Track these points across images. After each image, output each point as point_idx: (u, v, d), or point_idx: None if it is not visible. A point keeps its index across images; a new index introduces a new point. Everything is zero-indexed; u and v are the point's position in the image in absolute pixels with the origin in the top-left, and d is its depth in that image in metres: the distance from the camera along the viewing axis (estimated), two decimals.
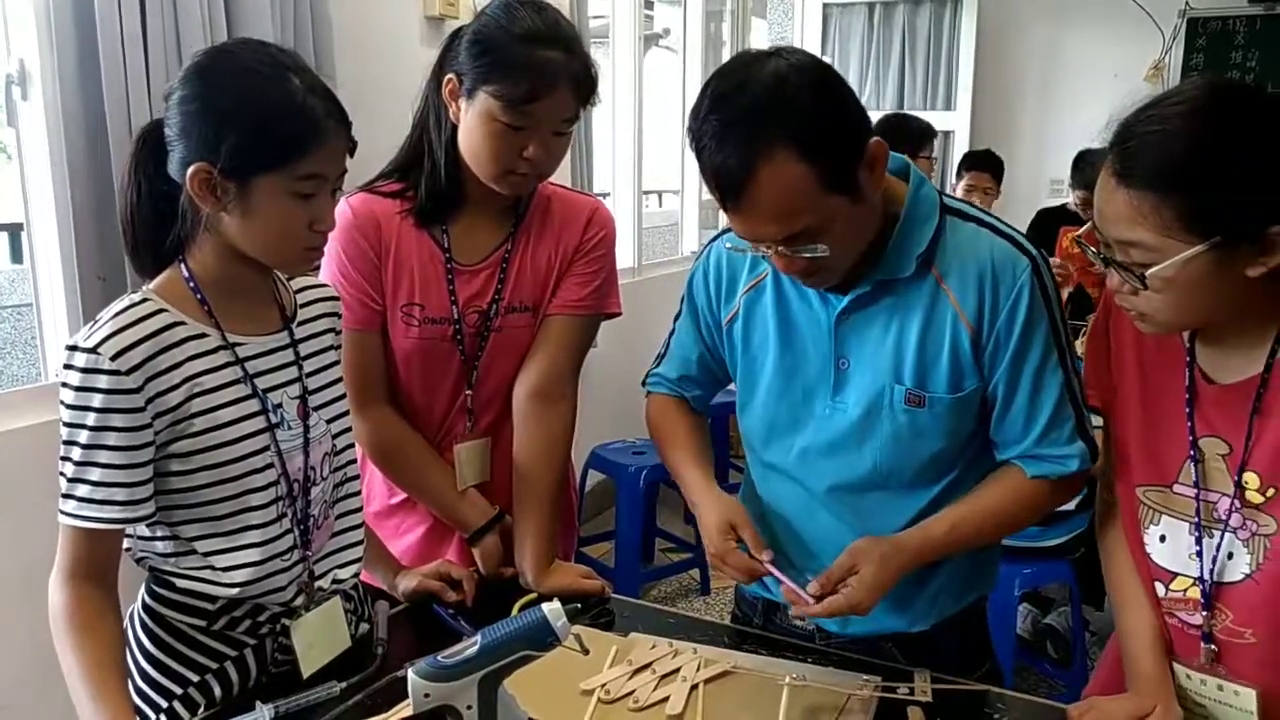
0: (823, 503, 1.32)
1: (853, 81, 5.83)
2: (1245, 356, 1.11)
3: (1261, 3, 5.13)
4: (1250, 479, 1.11)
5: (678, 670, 1.25)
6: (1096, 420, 1.30)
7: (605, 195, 4.47)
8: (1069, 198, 4.22)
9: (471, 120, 1.42)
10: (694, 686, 1.21)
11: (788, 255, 1.15)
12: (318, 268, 1.39)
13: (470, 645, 0.94)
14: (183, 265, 1.18)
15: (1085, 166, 4.05)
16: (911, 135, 3.48)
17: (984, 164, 3.91)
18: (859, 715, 1.17)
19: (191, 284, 1.17)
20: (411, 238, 1.52)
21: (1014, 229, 1.25)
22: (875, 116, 5.28)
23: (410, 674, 0.93)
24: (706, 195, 4.76)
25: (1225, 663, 1.15)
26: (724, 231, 1.39)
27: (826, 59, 5.75)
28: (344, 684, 1.23)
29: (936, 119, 5.36)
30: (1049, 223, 4.25)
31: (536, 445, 1.56)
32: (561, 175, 1.61)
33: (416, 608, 1.46)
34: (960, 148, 5.53)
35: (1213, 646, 1.15)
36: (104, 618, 1.12)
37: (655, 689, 1.21)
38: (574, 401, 1.60)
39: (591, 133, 3.95)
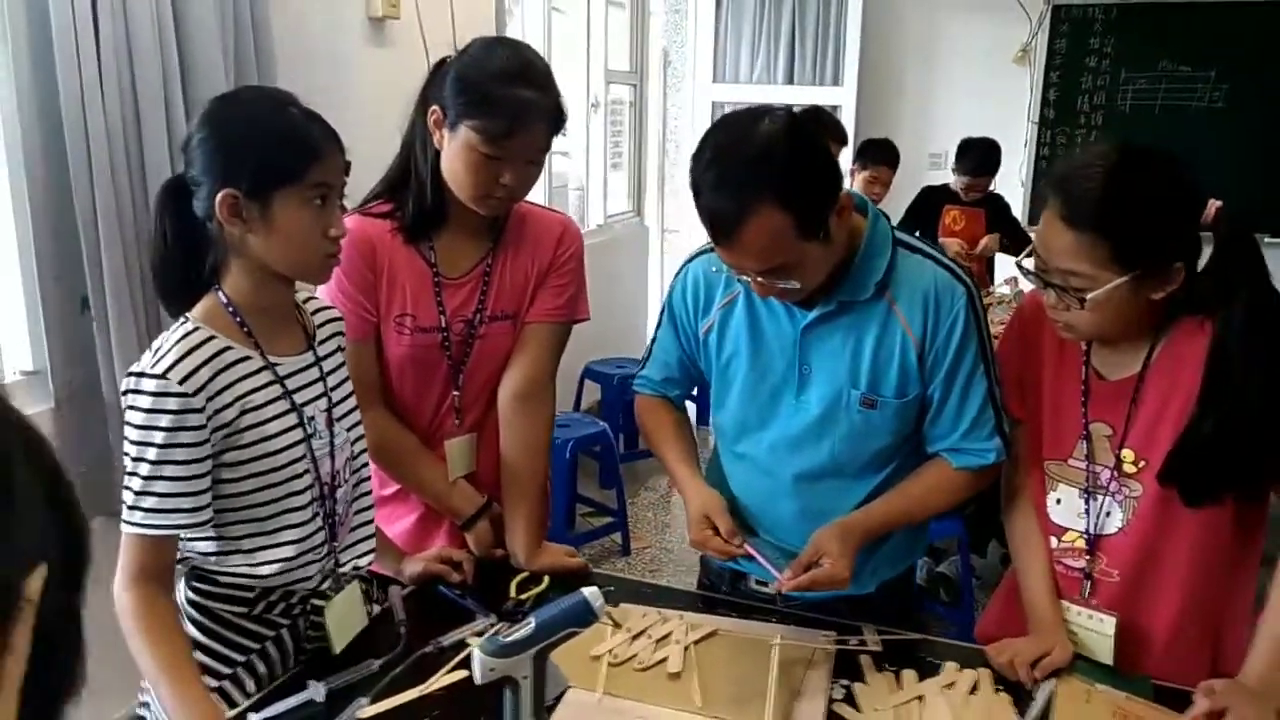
0: (786, 490, 1.55)
1: (744, 56, 6.11)
2: (1128, 359, 1.41)
3: None
4: (1127, 454, 1.41)
5: (669, 634, 1.46)
6: None
7: None
8: (951, 178, 4.54)
9: (454, 149, 1.56)
10: (686, 648, 1.43)
11: (764, 284, 1.37)
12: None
13: (526, 626, 1.12)
14: (220, 293, 1.31)
15: (967, 156, 4.38)
16: (828, 131, 3.70)
17: (885, 158, 4.16)
18: (824, 664, 1.41)
19: (230, 309, 1.31)
20: (402, 254, 1.67)
21: (952, 261, 1.49)
22: (768, 91, 5.42)
23: (476, 652, 1.11)
24: (611, 165, 4.79)
25: (1097, 597, 1.46)
26: (701, 253, 1.59)
27: (720, 30, 5.93)
28: (380, 662, 1.40)
29: (825, 94, 5.66)
30: (933, 200, 4.59)
31: (522, 441, 1.73)
32: None
33: (423, 589, 1.63)
34: (847, 123, 5.82)
35: (1089, 583, 1.46)
36: (171, 617, 1.26)
37: (654, 651, 1.42)
38: (554, 401, 1.78)
39: None
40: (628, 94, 5.78)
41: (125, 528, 1.23)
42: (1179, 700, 1.33)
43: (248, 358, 1.30)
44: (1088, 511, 1.45)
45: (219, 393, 1.25)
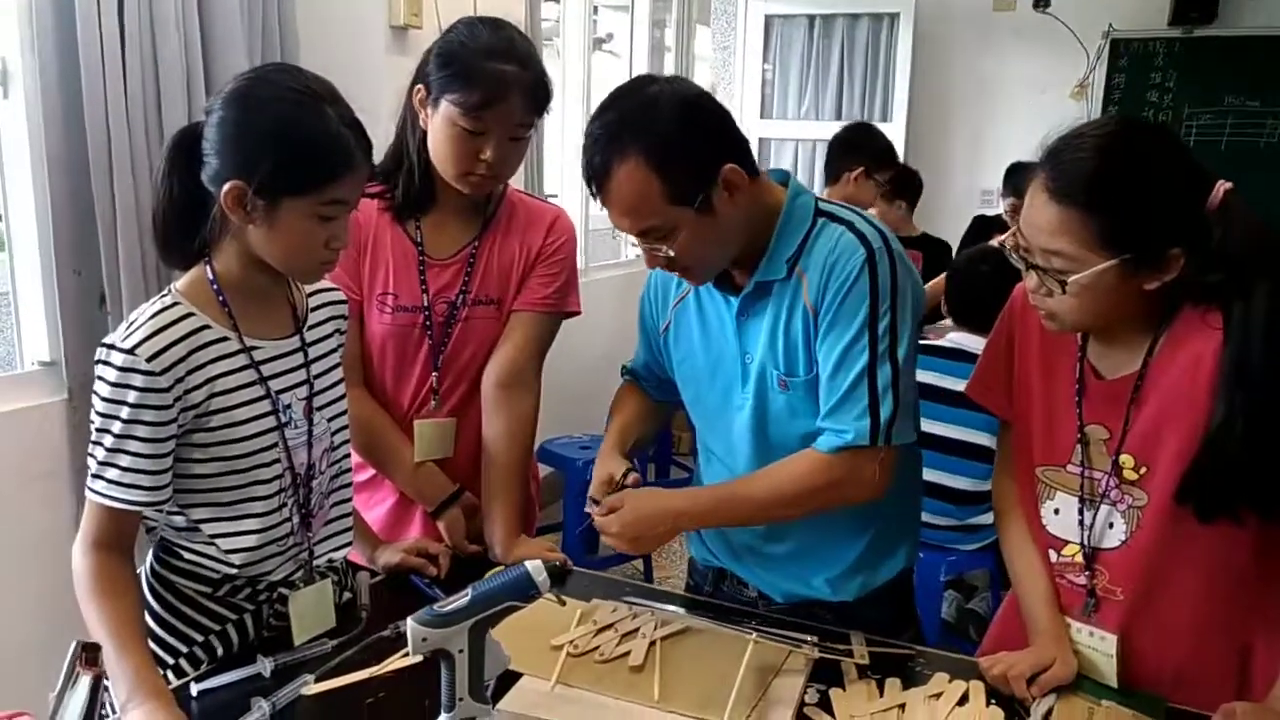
0: None
1: (792, 91, 6.07)
2: (1127, 356, 1.29)
3: (1180, 25, 5.43)
4: (1126, 459, 1.28)
5: (637, 629, 1.39)
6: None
7: (554, 197, 4.58)
8: (1000, 207, 4.46)
9: (436, 125, 1.56)
10: (652, 643, 1.35)
11: (647, 250, 1.36)
12: None
13: (462, 596, 1.07)
14: (208, 267, 1.27)
15: (1015, 177, 4.29)
16: (861, 149, 3.46)
17: (901, 187, 4.09)
18: (800, 671, 1.32)
19: (215, 286, 1.27)
20: (388, 233, 1.66)
21: (876, 225, 1.38)
22: (816, 127, 5.33)
23: (409, 621, 1.06)
24: None
25: (1100, 615, 1.34)
26: None
27: (768, 67, 5.90)
28: (335, 642, 1.36)
29: None
30: (984, 229, 4.54)
31: (503, 429, 1.69)
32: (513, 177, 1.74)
33: (394, 578, 1.59)
34: None
35: (1092, 601, 1.34)
36: (125, 583, 1.22)
37: (618, 645, 1.35)
38: (538, 391, 1.74)
39: (542, 135, 4.06)
40: None
41: (90, 494, 1.21)
42: None
43: (224, 339, 1.27)
44: (1082, 522, 1.34)
45: (189, 373, 1.22)
